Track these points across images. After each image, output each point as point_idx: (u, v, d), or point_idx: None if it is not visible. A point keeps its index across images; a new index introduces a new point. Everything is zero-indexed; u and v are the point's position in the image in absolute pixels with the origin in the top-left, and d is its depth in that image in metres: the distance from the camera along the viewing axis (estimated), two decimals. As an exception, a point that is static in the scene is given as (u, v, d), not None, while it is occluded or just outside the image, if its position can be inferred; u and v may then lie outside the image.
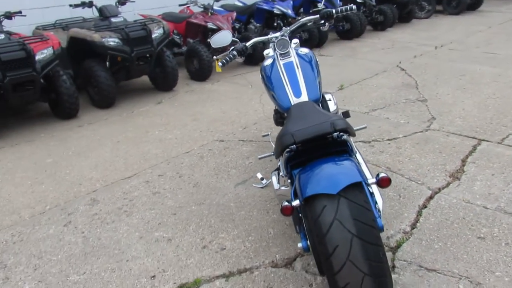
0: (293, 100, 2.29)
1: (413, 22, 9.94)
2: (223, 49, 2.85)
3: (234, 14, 6.88)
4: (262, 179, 2.54)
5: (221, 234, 2.49)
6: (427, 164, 3.12)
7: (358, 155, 2.40)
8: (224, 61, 2.52)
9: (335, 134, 1.91)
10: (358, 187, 1.66)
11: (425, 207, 2.61)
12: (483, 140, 3.44)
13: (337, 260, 1.55)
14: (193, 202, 2.86)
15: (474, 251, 2.18)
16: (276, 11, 7.18)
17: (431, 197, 2.70)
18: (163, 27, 5.28)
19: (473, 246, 2.22)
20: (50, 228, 2.69)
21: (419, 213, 2.55)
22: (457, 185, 2.82)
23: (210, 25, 6.18)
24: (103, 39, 4.74)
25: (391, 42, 7.88)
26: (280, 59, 2.51)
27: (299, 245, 1.89)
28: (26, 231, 2.67)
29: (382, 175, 1.68)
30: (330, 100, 2.58)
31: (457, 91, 4.73)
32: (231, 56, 2.52)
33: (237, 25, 7.50)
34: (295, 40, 2.82)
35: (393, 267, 2.12)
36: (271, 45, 2.68)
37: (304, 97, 2.29)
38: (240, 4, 7.89)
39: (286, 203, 1.70)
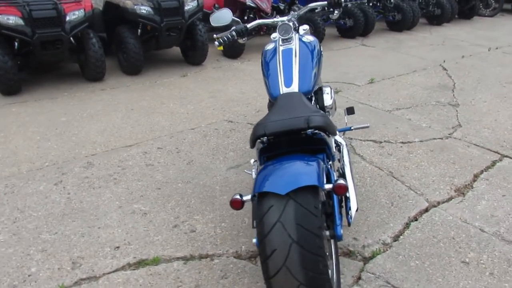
0: (282, 90, 2.17)
1: (475, 19, 9.21)
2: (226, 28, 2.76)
3: (277, -7, 6.68)
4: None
5: (196, 216, 2.45)
6: (434, 174, 2.89)
7: (345, 156, 2.26)
8: (221, 40, 2.43)
9: (309, 131, 1.79)
10: (312, 191, 1.54)
11: (416, 219, 2.42)
12: (506, 156, 3.13)
13: (273, 264, 1.46)
14: (181, 179, 2.85)
15: (452, 276, 2.00)
16: (320, -7, 6.89)
17: (426, 210, 2.50)
18: (198, 0, 5.23)
19: (453, 270, 2.03)
20: (41, 184, 2.79)
21: (407, 226, 2.37)
22: (459, 201, 2.59)
23: (248, 2, 6.04)
24: (135, 6, 4.77)
25: (443, 38, 7.34)
26: (281, 45, 2.38)
27: (253, 240, 1.81)
28: (19, 184, 2.79)
29: (339, 182, 1.55)
30: (327, 93, 2.42)
31: (496, 99, 4.32)
32: (229, 36, 2.43)
33: (281, 5, 7.28)
34: (305, 26, 2.66)
35: (359, 278, 1.99)
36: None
37: (294, 88, 2.16)
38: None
39: (237, 197, 1.61)
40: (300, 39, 2.42)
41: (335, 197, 1.81)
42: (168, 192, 2.70)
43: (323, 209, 1.80)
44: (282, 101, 2.08)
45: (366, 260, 2.11)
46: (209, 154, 3.20)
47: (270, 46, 2.46)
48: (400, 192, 2.68)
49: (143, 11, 4.80)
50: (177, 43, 5.39)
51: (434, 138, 3.44)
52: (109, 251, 2.17)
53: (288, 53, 2.32)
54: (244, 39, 2.51)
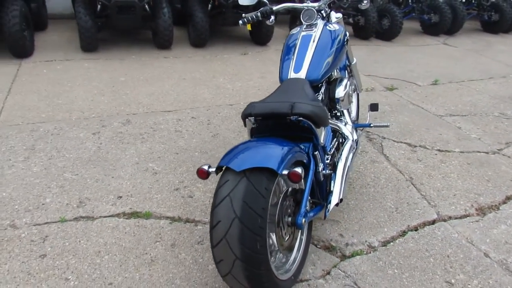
0: (291, 75, 2.18)
1: None
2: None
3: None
4: None
5: (199, 184, 2.59)
6: (459, 188, 2.67)
7: (344, 150, 2.22)
8: (246, 19, 2.48)
9: (294, 117, 1.79)
10: (268, 174, 1.56)
11: (416, 230, 2.29)
12: (555, 185, 2.76)
13: (216, 234, 1.53)
14: (200, 149, 3.00)
15: (427, 293, 1.89)
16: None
17: (432, 222, 2.35)
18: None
19: (432, 287, 1.91)
20: (82, 132, 3.13)
21: (403, 234, 2.25)
22: (474, 221, 2.38)
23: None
24: (206, -20, 4.96)
25: (544, 47, 6.49)
26: (303, 30, 2.36)
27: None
28: (65, 128, 3.16)
29: (293, 170, 1.55)
30: (342, 85, 2.34)
31: None
32: (254, 16, 2.47)
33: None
34: (338, 15, 2.60)
35: (328, 273, 1.97)
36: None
37: (302, 74, 2.15)
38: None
39: (204, 167, 1.69)
40: (325, 26, 2.37)
41: (307, 186, 1.81)
42: (184, 158, 2.87)
43: (292, 195, 1.81)
44: (285, 85, 2.10)
45: (343, 258, 2.07)
46: (235, 131, 3.30)
47: (295, 31, 2.46)
48: (411, 199, 2.54)
49: (214, -14, 4.98)
50: (243, 21, 5.49)
51: (479, 151, 3.15)
52: (112, 199, 2.40)
53: (306, 39, 2.30)
54: (270, 20, 2.53)
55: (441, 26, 6.73)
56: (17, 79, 4.05)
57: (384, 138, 3.27)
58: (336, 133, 2.38)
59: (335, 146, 2.29)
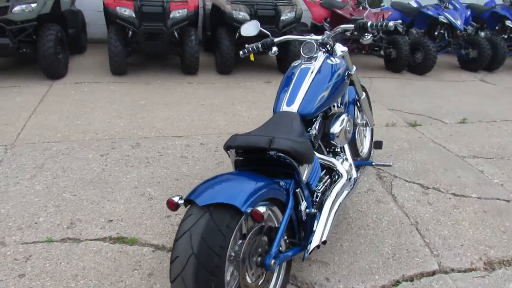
0: (283, 108, 2.14)
1: None
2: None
3: (390, 13, 6.34)
4: None
5: (191, 212, 2.55)
6: (469, 238, 2.46)
7: (335, 188, 2.11)
8: (246, 50, 2.49)
9: (273, 153, 1.74)
10: (232, 211, 1.50)
11: (411, 280, 2.11)
12: None
13: (174, 270, 1.47)
14: (201, 176, 2.98)
15: None
16: (442, 19, 6.30)
17: (431, 274, 2.15)
18: (296, 11, 5.30)
19: None
20: (91, 153, 3.22)
21: (395, 284, 2.08)
22: (480, 276, 2.16)
23: (354, 17, 5.88)
24: (233, 11, 5.08)
25: None
26: (303, 63, 2.33)
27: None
28: (76, 149, 3.26)
29: (256, 208, 1.48)
30: (339, 121, 2.25)
31: None
32: (254, 47, 2.47)
33: (400, 27, 6.90)
34: (343, 48, 2.53)
35: (305, 319, 1.85)
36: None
37: (294, 108, 2.10)
38: (414, 5, 7.17)
39: (174, 198, 1.66)
40: (326, 60, 2.32)
41: (282, 225, 1.73)
42: (183, 184, 2.86)
43: (267, 233, 1.73)
44: (274, 118, 2.06)
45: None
46: (241, 159, 3.26)
47: (296, 63, 2.43)
48: (412, 246, 2.36)
49: (240, 16, 5.08)
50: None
51: (498, 199, 2.90)
52: (102, 222, 2.41)
53: (304, 72, 2.26)
54: (273, 52, 2.51)
55: (479, 62, 6.44)
56: (45, 99, 4.27)
57: (396, 177, 3.11)
58: (331, 170, 2.28)
59: (326, 184, 2.19)
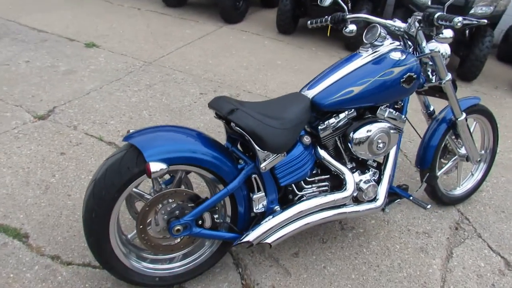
0: (304, 90, 1.90)
1: None
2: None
3: None
4: None
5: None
6: None
7: (319, 198, 1.83)
8: (314, 21, 2.23)
9: (233, 124, 1.62)
10: (142, 158, 1.50)
11: None
12: None
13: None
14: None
15: None
16: None
17: None
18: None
19: None
20: (195, 89, 3.54)
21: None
22: None
23: None
24: None
25: None
26: (360, 49, 1.97)
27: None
28: (188, 82, 3.65)
29: (150, 163, 1.44)
30: (366, 126, 1.84)
31: None
32: (323, 19, 2.19)
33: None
34: (442, 48, 2.01)
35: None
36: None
37: (311, 93, 1.84)
38: None
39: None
40: (388, 52, 1.89)
41: (209, 200, 1.64)
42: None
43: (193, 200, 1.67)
44: (286, 96, 1.88)
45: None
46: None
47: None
48: None
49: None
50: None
51: None
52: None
53: (349, 60, 1.93)
54: (348, 30, 2.14)
55: None
56: (206, 36, 4.83)
57: (479, 236, 2.35)
58: (339, 178, 1.93)
59: (320, 190, 1.89)
